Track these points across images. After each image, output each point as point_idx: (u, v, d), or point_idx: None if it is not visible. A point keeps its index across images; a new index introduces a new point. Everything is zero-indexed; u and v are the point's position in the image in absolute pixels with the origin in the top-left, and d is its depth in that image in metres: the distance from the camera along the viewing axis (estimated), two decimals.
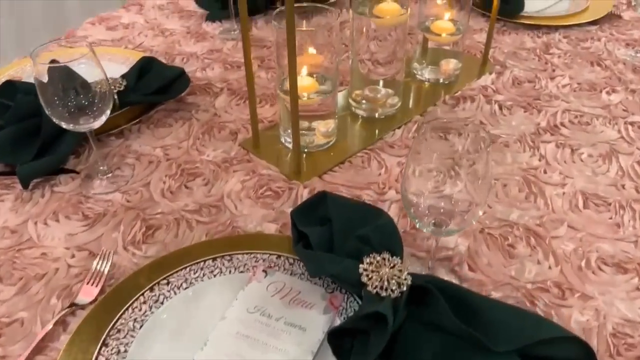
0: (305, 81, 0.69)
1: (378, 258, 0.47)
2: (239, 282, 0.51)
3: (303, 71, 0.68)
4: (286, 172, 0.68)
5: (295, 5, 0.55)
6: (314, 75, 0.69)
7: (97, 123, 0.61)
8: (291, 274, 0.52)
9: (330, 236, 0.50)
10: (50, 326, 0.47)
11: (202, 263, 0.53)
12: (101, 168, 0.66)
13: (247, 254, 0.54)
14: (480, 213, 0.49)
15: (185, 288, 0.51)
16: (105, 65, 0.61)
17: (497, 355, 0.41)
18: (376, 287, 0.45)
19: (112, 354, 0.45)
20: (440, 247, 0.56)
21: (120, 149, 0.72)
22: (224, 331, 0.47)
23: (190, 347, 0.46)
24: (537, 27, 1.04)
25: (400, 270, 0.47)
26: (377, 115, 0.78)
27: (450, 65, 0.86)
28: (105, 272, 0.53)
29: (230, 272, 0.52)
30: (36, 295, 0.52)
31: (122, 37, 1.02)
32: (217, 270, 0.52)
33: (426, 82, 0.87)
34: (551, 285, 0.52)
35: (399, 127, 0.76)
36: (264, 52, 0.96)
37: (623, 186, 0.65)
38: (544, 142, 0.73)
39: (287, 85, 0.61)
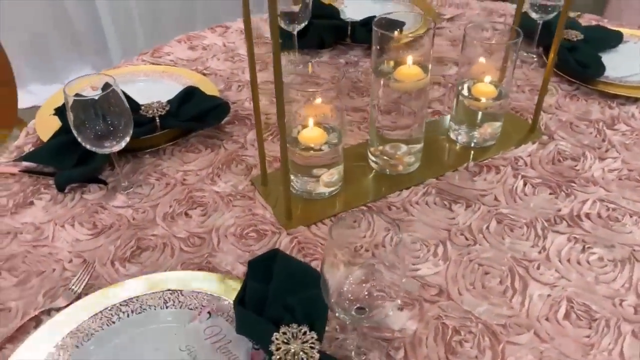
0: (314, 132, 0.72)
1: (294, 330, 0.49)
2: (187, 317, 0.56)
3: (310, 122, 0.71)
4: (279, 217, 0.71)
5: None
6: (322, 126, 0.72)
7: (117, 147, 0.70)
8: (231, 322, 0.55)
9: (265, 297, 0.53)
10: (21, 322, 0.56)
11: (160, 293, 0.58)
12: (122, 184, 0.75)
13: (199, 293, 0.58)
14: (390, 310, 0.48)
15: (139, 313, 0.57)
16: (165, 85, 0.73)
17: None
18: (280, 358, 0.47)
19: None
20: (377, 328, 0.56)
21: (149, 167, 0.80)
22: None
23: None
24: (613, 97, 0.94)
25: (311, 347, 0.48)
26: (387, 171, 0.78)
27: (487, 129, 0.83)
28: (85, 282, 0.61)
29: (181, 307, 0.57)
30: (30, 290, 0.61)
31: (197, 57, 1.12)
32: (170, 303, 0.58)
33: (457, 144, 0.84)
34: None
35: (407, 188, 0.75)
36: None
37: (622, 302, 0.58)
38: (555, 232, 0.67)
39: (294, 134, 0.65)
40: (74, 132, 0.67)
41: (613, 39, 1.08)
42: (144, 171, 0.79)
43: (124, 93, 0.71)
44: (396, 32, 0.70)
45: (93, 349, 0.54)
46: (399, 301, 0.48)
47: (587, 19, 1.24)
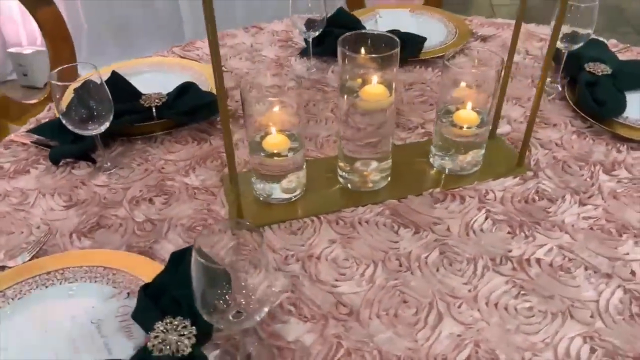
0: (277, 139, 0.74)
1: (176, 322, 0.52)
2: (109, 294, 0.61)
3: (273, 130, 0.74)
4: (232, 215, 0.74)
5: None
6: (285, 133, 0.74)
7: (97, 131, 0.77)
8: None
9: (166, 288, 0.56)
10: None
11: (96, 268, 0.64)
12: (105, 164, 0.82)
13: (127, 274, 0.63)
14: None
15: (71, 282, 0.63)
16: (177, 77, 0.90)
17: None
18: (154, 345, 0.50)
19: None
20: (277, 334, 0.57)
21: (137, 152, 0.87)
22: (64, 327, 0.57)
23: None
24: (625, 140, 0.87)
25: (188, 339, 0.51)
26: (349, 186, 0.78)
27: (467, 157, 0.80)
28: (38, 249, 0.68)
29: (107, 283, 0.63)
30: None
31: (221, 55, 1.17)
32: (99, 278, 0.63)
33: (434, 168, 0.82)
34: None
35: (364, 205, 0.75)
36: (315, 96, 1.01)
37: (533, 357, 0.55)
38: (496, 272, 0.65)
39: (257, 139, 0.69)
40: (60, 116, 0.75)
41: None
42: (131, 155, 0.86)
43: (128, 83, 0.78)
44: (362, 50, 0.70)
45: (16, 308, 0.60)
46: (266, 309, 0.49)
47: (637, 52, 1.15)
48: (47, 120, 0.94)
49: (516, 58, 1.15)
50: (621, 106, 0.91)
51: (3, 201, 0.77)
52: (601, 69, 0.97)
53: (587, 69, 0.97)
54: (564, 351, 0.56)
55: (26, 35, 2.57)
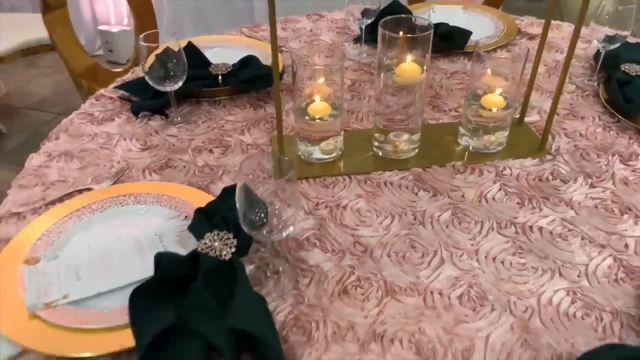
0: (320, 105, 0.86)
1: (222, 234, 0.65)
2: (171, 215, 0.75)
3: (317, 98, 0.85)
4: (276, 171, 0.86)
5: None
6: (328, 102, 0.85)
7: (171, 88, 0.91)
8: None
9: (217, 208, 0.69)
10: (69, 191, 0.80)
11: (162, 196, 0.78)
12: (176, 119, 0.97)
13: (187, 202, 0.76)
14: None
15: (141, 204, 0.77)
16: (243, 52, 1.06)
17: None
18: (202, 249, 0.63)
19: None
20: (301, 259, 0.69)
21: (203, 112, 1.01)
22: (134, 235, 0.72)
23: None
24: None
25: (229, 248, 0.64)
26: (380, 153, 0.88)
27: (491, 138, 0.88)
28: (118, 177, 0.83)
29: (169, 207, 0.76)
30: (84, 172, 0.85)
31: (284, 37, 1.30)
32: (165, 202, 0.77)
33: (460, 145, 0.91)
34: None
35: (391, 170, 0.85)
36: (362, 76, 1.12)
37: (517, 302, 0.64)
38: (499, 234, 0.73)
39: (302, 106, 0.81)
40: (145, 75, 0.91)
41: None
42: (198, 114, 1.00)
43: (199, 53, 0.94)
44: (401, 33, 0.80)
45: (99, 219, 0.75)
46: (291, 228, 0.61)
47: None
48: (130, 80, 1.10)
49: (559, 57, 1.21)
50: None
51: (92, 140, 0.93)
52: (636, 69, 1.02)
53: (623, 69, 1.02)
54: (546, 300, 0.64)
55: (115, 15, 2.83)
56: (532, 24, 1.35)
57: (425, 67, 0.80)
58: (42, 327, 0.60)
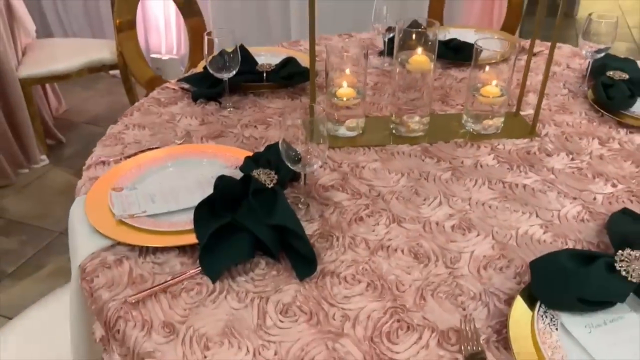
0: (346, 90, 1.05)
1: (266, 170, 0.83)
2: (227, 164, 0.94)
3: (344, 84, 1.05)
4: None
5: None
6: (353, 88, 1.04)
7: (226, 76, 1.13)
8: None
9: (262, 155, 0.88)
10: (142, 149, 1.01)
11: (217, 153, 0.97)
12: (227, 104, 1.18)
13: (237, 157, 0.96)
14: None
15: (201, 159, 0.97)
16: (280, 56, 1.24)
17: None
18: (251, 178, 0.82)
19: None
20: (326, 197, 0.86)
21: (249, 101, 1.22)
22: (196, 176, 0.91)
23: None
24: (628, 126, 1.08)
25: (270, 180, 0.82)
26: (394, 131, 1.07)
27: (489, 122, 1.06)
28: (182, 140, 1.04)
29: (223, 160, 0.96)
30: (154, 138, 1.06)
31: (317, 51, 1.52)
32: (220, 157, 0.96)
33: (463, 129, 1.08)
34: None
35: (403, 143, 1.03)
36: (383, 79, 1.31)
37: (498, 231, 0.79)
38: (489, 188, 0.89)
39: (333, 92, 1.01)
40: (207, 65, 1.12)
41: None
42: (245, 102, 1.21)
43: (249, 53, 1.17)
44: (414, 36, 0.99)
45: (166, 167, 0.95)
46: (320, 162, 0.79)
47: None
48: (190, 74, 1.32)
49: (557, 69, 1.38)
50: (628, 102, 1.11)
51: (160, 117, 1.14)
52: (619, 75, 1.19)
53: (608, 75, 1.19)
54: (523, 231, 0.80)
55: (165, 45, 3.15)
56: (536, 45, 1.53)
57: (434, 59, 0.99)
58: (126, 229, 0.78)
